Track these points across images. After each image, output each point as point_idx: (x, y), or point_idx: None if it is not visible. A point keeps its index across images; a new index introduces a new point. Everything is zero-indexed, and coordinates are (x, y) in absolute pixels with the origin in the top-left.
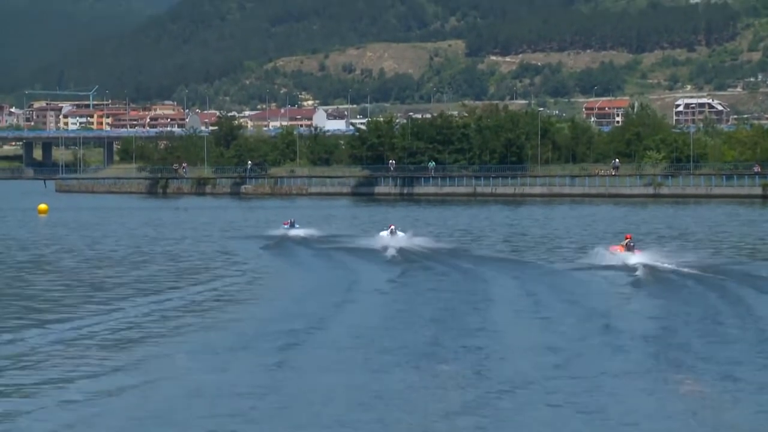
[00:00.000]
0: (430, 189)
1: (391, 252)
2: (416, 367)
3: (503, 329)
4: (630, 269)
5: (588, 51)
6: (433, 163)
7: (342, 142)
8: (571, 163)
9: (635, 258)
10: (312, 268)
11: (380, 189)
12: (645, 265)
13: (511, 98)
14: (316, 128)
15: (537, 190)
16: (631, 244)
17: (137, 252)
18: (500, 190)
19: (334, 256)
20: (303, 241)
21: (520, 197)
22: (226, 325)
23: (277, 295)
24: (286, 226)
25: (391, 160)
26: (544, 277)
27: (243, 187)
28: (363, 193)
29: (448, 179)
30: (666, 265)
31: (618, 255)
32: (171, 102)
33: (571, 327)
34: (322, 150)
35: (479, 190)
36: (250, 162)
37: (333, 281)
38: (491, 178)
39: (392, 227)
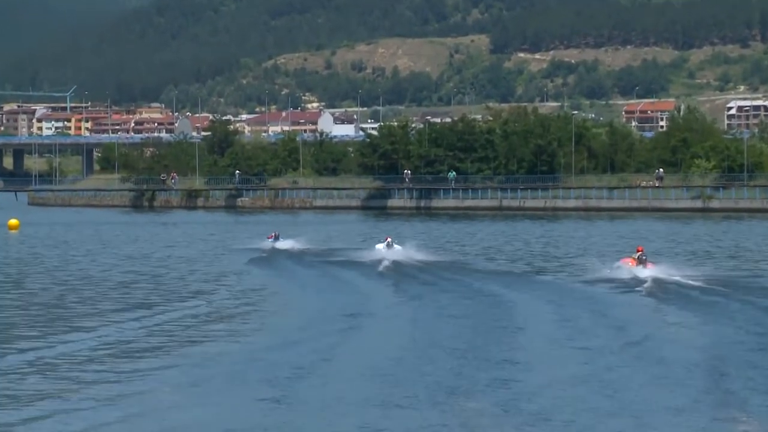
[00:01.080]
0: (450, 202)
1: (385, 264)
2: (438, 404)
3: (533, 359)
4: (657, 285)
5: (628, 47)
6: (454, 173)
7: (351, 149)
8: (609, 174)
9: (647, 272)
10: (312, 289)
11: (394, 202)
12: (655, 279)
13: (542, 100)
14: (321, 134)
15: (571, 203)
16: (644, 257)
17: (113, 272)
18: (529, 203)
19: (334, 272)
20: (296, 256)
21: (551, 211)
22: (217, 356)
23: (275, 320)
24: (270, 240)
25: (406, 170)
26: (575, 299)
27: (239, 200)
28: (374, 207)
29: (470, 191)
30: (677, 278)
31: (629, 268)
32: (158, 104)
33: (606, 352)
34: (328, 158)
35: (505, 203)
36: (238, 172)
37: (337, 303)
38: (519, 190)
39: (388, 239)
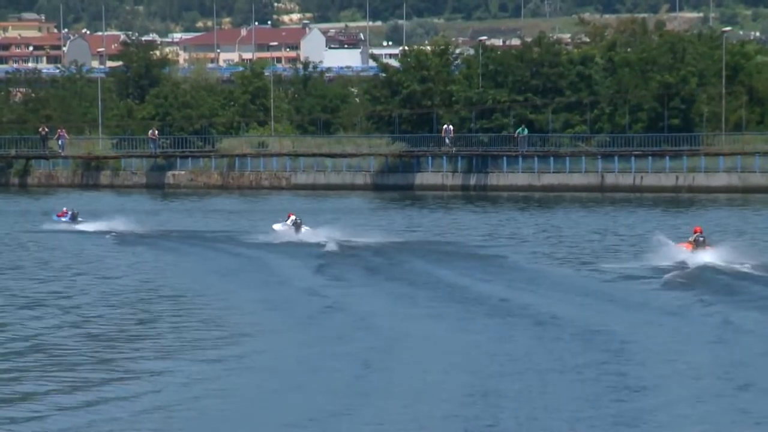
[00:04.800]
0: (519, 178)
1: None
2: None
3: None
4: None
5: None
6: (526, 129)
7: (355, 90)
8: None
9: (706, 256)
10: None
11: (426, 178)
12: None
13: (672, 9)
14: (306, 65)
15: (720, 180)
16: (701, 238)
17: None
18: (650, 180)
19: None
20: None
21: (687, 191)
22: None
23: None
24: (63, 218)
25: (446, 125)
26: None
27: (170, 173)
28: (393, 186)
29: (552, 160)
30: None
31: (686, 253)
32: (34, 15)
33: None
34: (317, 106)
35: (611, 180)
36: (43, 129)
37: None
38: (633, 158)
39: (293, 217)
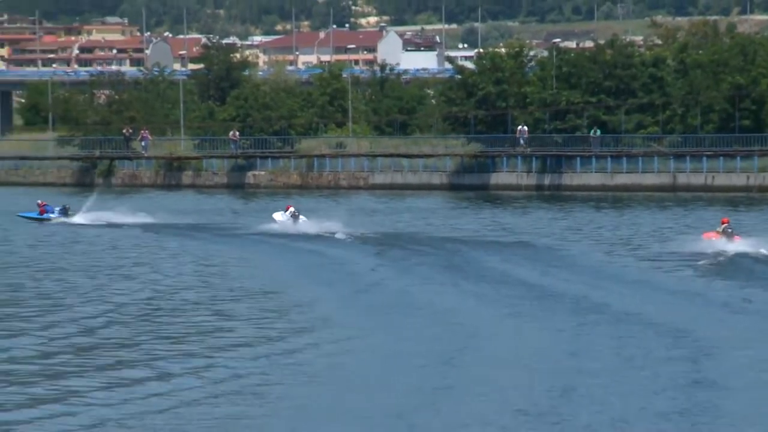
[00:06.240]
0: (593, 178)
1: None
2: None
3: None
4: None
5: None
6: (598, 130)
7: (431, 92)
8: None
9: (734, 246)
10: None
11: (501, 177)
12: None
13: (743, 11)
14: (383, 67)
15: None
16: (729, 229)
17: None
18: (721, 179)
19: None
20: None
21: (757, 191)
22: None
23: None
24: (51, 214)
25: (520, 126)
26: None
27: (250, 174)
28: (469, 186)
29: (625, 160)
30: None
31: (714, 243)
32: (117, 19)
33: None
34: (394, 107)
35: (682, 180)
36: (127, 130)
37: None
38: (705, 158)
39: (291, 209)
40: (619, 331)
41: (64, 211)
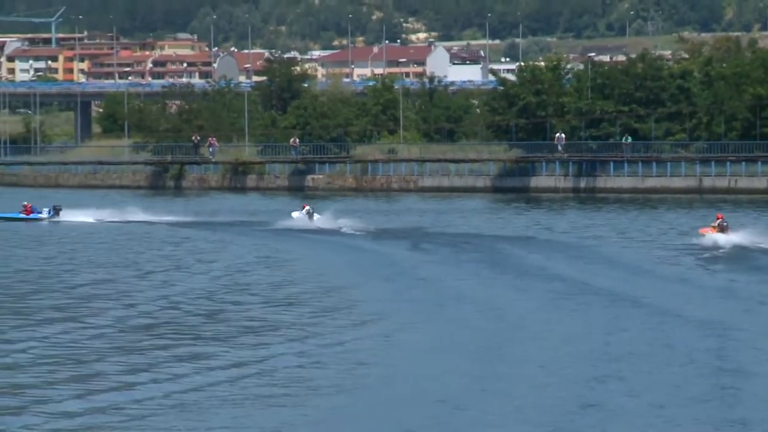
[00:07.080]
0: (625, 182)
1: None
2: None
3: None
4: None
5: None
6: (630, 137)
7: (476, 102)
8: None
9: (727, 239)
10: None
11: (540, 181)
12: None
13: (763, 27)
14: (432, 79)
15: None
16: (724, 224)
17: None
18: (743, 183)
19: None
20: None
21: None
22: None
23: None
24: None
25: (558, 133)
26: None
27: (309, 177)
28: (511, 189)
29: (654, 165)
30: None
31: (709, 236)
32: (187, 35)
33: None
34: (442, 116)
35: (708, 183)
36: (196, 137)
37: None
38: (729, 163)
39: (307, 207)
40: (652, 322)
41: (55, 211)
